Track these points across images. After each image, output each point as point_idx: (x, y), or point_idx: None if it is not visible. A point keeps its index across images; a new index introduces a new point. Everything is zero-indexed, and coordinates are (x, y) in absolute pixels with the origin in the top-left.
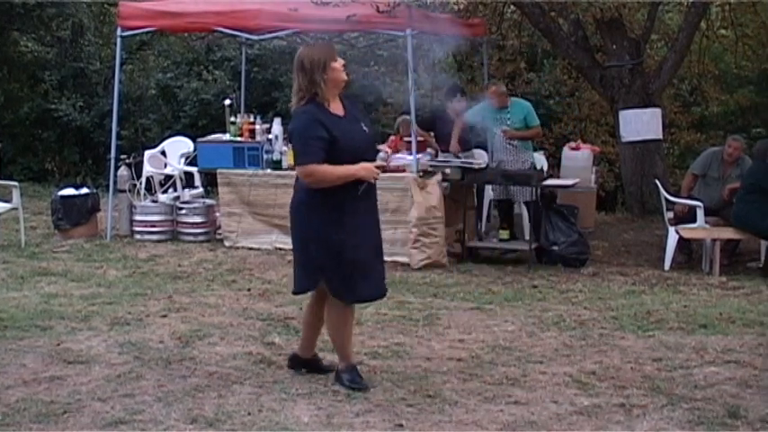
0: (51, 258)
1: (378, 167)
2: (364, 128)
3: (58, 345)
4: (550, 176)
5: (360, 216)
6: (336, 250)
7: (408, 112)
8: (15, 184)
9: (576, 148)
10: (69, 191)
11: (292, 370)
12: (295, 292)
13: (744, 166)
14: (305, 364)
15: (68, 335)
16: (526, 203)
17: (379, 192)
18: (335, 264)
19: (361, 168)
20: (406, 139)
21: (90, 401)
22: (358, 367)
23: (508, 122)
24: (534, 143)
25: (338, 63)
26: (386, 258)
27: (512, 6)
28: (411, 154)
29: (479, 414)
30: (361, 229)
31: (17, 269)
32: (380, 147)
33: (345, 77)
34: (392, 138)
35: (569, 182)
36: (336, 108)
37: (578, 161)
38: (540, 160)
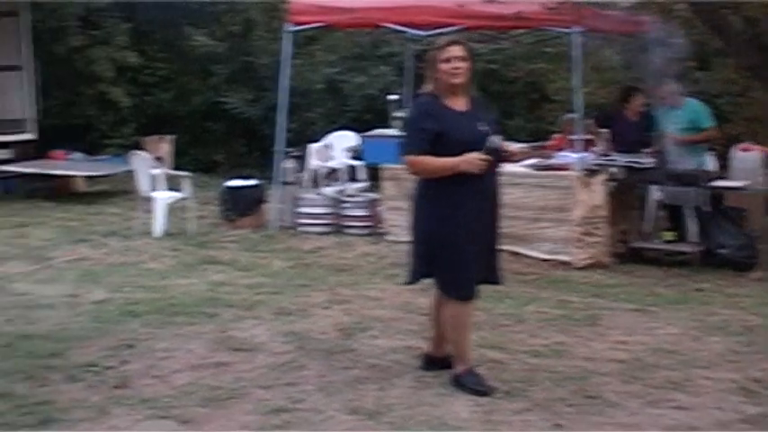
0: (219, 247)
1: (483, 159)
2: (480, 127)
3: (224, 332)
4: (719, 178)
5: (473, 211)
6: (445, 245)
7: (574, 111)
8: (187, 174)
9: (747, 150)
10: (237, 182)
11: (427, 371)
12: (406, 282)
13: None
14: (439, 362)
15: (234, 323)
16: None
17: (541, 190)
18: (444, 259)
19: (463, 161)
20: (570, 137)
21: (253, 388)
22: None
23: (676, 123)
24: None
25: (448, 65)
26: (547, 257)
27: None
28: (576, 152)
29: (640, 417)
30: (472, 224)
31: (186, 257)
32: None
33: (456, 80)
34: (557, 136)
35: (739, 184)
36: (456, 103)
37: (748, 163)
38: (710, 161)
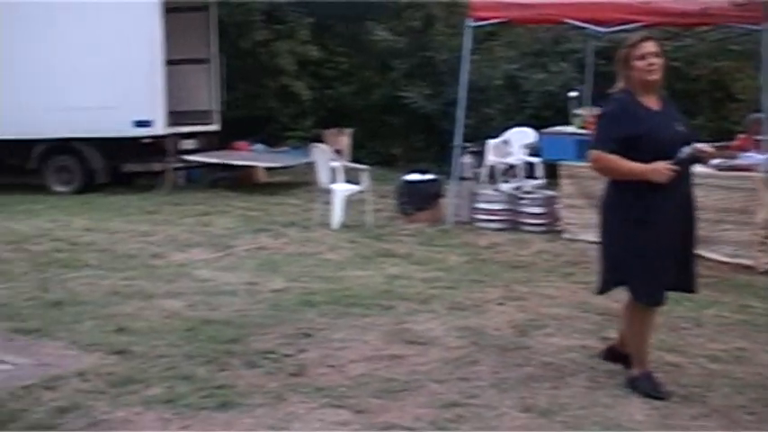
0: (395, 241)
1: (672, 169)
2: (677, 126)
3: (399, 325)
4: None
5: (666, 216)
6: (637, 251)
7: (761, 111)
8: (366, 167)
9: None
10: (415, 176)
11: (607, 362)
12: (598, 292)
13: None
14: (623, 358)
15: (409, 315)
16: None
17: (724, 191)
18: (636, 265)
19: (651, 170)
20: (756, 137)
21: (427, 382)
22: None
23: None
24: None
25: (643, 62)
26: (728, 260)
27: None
28: (761, 153)
29: None
30: (665, 228)
31: (363, 249)
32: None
33: (652, 77)
34: (741, 136)
35: None
36: (650, 102)
37: None
38: None
